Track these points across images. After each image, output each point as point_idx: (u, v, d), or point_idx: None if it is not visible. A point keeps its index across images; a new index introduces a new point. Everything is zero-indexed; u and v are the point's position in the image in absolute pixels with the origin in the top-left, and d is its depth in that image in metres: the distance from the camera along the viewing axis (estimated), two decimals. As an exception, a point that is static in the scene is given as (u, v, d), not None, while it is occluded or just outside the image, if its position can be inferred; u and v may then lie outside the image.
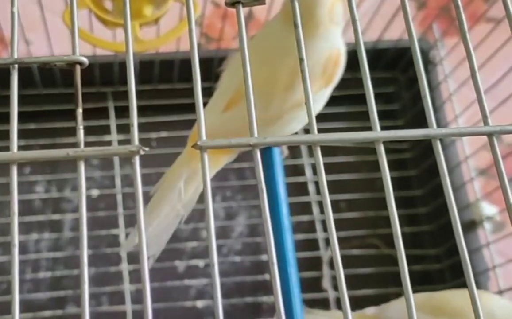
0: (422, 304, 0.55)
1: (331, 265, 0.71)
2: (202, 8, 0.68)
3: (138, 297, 0.69)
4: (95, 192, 0.73)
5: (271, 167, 0.53)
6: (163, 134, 0.76)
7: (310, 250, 0.72)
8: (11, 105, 0.26)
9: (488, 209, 0.71)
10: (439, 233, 0.73)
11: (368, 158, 0.76)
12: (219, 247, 0.72)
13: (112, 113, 0.75)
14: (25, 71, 0.72)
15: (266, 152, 0.53)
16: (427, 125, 0.28)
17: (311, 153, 0.73)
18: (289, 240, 0.56)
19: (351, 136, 0.27)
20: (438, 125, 0.30)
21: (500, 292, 0.65)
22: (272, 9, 0.70)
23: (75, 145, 0.26)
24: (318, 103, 0.54)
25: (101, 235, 0.71)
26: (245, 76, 0.27)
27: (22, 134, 0.73)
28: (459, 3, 0.30)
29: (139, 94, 0.74)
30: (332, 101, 0.78)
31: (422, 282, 0.71)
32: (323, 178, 0.26)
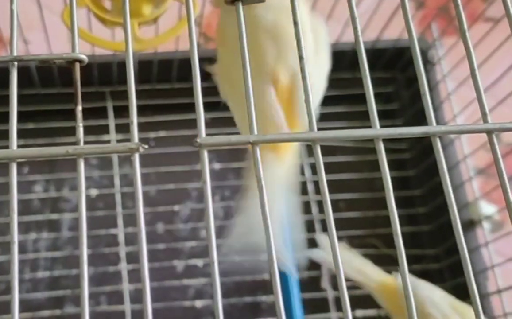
0: (443, 297, 0.56)
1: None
2: (201, 7, 0.68)
3: (136, 297, 0.68)
4: (94, 192, 0.73)
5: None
6: (162, 133, 0.76)
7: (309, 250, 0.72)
8: (10, 102, 0.26)
9: (487, 208, 0.71)
10: (438, 232, 0.73)
11: (367, 157, 0.76)
12: (218, 247, 0.72)
13: (110, 112, 0.75)
14: (24, 71, 0.71)
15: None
16: (427, 123, 0.28)
17: (310, 153, 0.73)
18: (288, 239, 0.56)
19: (351, 133, 0.27)
20: (437, 124, 0.30)
21: (499, 292, 0.65)
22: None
23: (74, 144, 0.26)
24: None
25: (100, 234, 0.71)
26: (245, 77, 0.27)
27: (20, 133, 0.72)
28: (459, 1, 0.30)
29: (138, 93, 0.74)
30: (332, 100, 0.78)
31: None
32: (323, 176, 0.26)
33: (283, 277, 0.59)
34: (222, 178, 0.75)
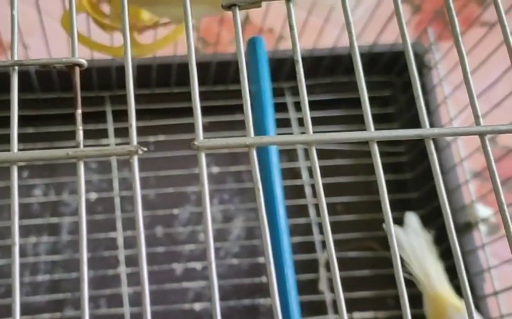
0: None
1: (328, 267, 0.72)
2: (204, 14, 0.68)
3: (136, 300, 0.69)
4: (93, 196, 0.73)
5: (267, 167, 0.54)
6: (161, 137, 0.77)
7: (307, 253, 0.72)
8: (11, 106, 0.27)
9: (483, 211, 0.71)
10: (435, 235, 0.74)
11: (364, 161, 0.76)
12: (217, 250, 0.73)
13: (109, 117, 0.76)
14: (24, 75, 0.72)
15: (263, 152, 0.54)
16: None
17: (307, 156, 0.74)
18: (286, 241, 0.56)
19: (346, 135, 0.28)
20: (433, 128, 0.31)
21: (496, 293, 0.65)
22: (268, 14, 0.71)
23: (74, 147, 0.26)
24: None
25: (99, 238, 0.71)
26: (242, 79, 0.27)
27: (20, 138, 0.72)
28: (451, 5, 0.30)
29: (137, 98, 0.74)
30: (329, 104, 0.79)
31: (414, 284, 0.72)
32: (319, 178, 0.27)
33: (281, 279, 0.60)
34: (220, 182, 0.76)
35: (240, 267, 0.72)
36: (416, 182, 0.76)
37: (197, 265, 0.72)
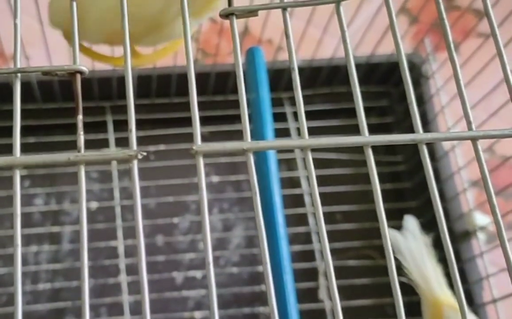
0: None
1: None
2: (199, 24, 0.69)
3: (136, 308, 0.69)
4: (94, 205, 0.74)
5: (266, 175, 0.54)
6: (161, 147, 0.77)
7: (306, 261, 0.73)
8: (13, 112, 0.27)
9: (481, 219, 0.72)
10: (433, 243, 0.74)
11: (363, 170, 0.76)
12: (217, 259, 0.73)
13: (110, 127, 0.77)
14: (26, 86, 0.73)
15: (262, 160, 0.54)
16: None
17: (306, 166, 0.75)
18: (285, 249, 0.57)
19: (341, 140, 0.28)
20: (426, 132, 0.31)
21: (494, 301, 0.66)
22: (267, 25, 0.72)
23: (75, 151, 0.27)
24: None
25: (100, 247, 0.72)
26: (239, 83, 0.28)
27: (22, 147, 0.73)
28: (443, 14, 0.31)
29: (137, 108, 0.75)
30: (327, 114, 0.79)
31: (415, 292, 0.72)
32: (314, 182, 0.27)
33: (280, 288, 0.60)
34: (220, 191, 0.77)
35: (240, 275, 0.73)
36: (415, 191, 0.77)
37: (197, 274, 0.72)
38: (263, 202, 0.56)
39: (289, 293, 0.60)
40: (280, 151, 0.73)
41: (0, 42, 0.68)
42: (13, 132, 0.27)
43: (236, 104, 0.27)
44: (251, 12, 0.31)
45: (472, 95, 0.63)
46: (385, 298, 0.71)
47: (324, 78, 0.78)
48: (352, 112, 0.78)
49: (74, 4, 0.30)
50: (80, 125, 0.27)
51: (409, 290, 0.62)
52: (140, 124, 0.75)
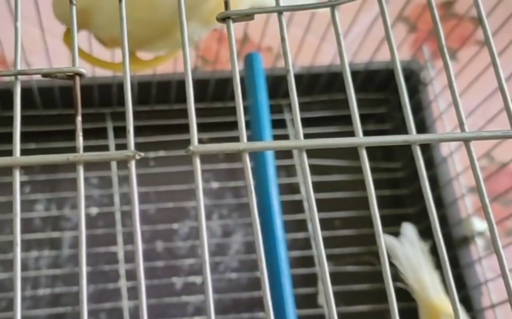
0: None
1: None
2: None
3: (136, 314, 0.69)
4: (94, 210, 0.75)
5: (264, 180, 0.55)
6: (161, 153, 0.78)
7: (305, 267, 0.73)
8: (14, 113, 0.28)
9: (480, 225, 0.72)
10: (432, 249, 0.74)
11: (362, 177, 0.77)
12: (216, 265, 0.73)
13: (110, 133, 0.77)
14: (26, 92, 0.73)
15: (260, 165, 0.55)
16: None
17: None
18: (283, 253, 0.57)
19: (335, 141, 0.29)
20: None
21: (493, 306, 0.66)
22: (267, 32, 0.72)
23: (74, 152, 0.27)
24: None
25: (99, 252, 0.72)
26: (235, 85, 0.28)
27: (22, 153, 0.74)
28: (438, 20, 0.31)
29: (137, 114, 0.76)
30: (326, 121, 0.80)
31: (413, 298, 0.72)
32: (309, 182, 0.28)
33: (279, 293, 0.60)
34: (219, 197, 0.77)
35: (239, 281, 0.73)
36: (413, 198, 0.77)
37: (197, 279, 0.73)
38: (261, 206, 0.56)
39: (288, 297, 0.60)
40: (279, 157, 0.73)
41: (1, 49, 0.69)
42: (13, 132, 0.28)
43: (235, 110, 0.28)
44: (248, 15, 0.31)
45: (469, 101, 0.64)
46: (384, 304, 0.71)
47: (323, 85, 0.79)
48: (350, 119, 0.78)
49: (74, 8, 0.31)
50: (79, 126, 0.28)
51: (406, 296, 0.62)
52: (140, 130, 0.76)
